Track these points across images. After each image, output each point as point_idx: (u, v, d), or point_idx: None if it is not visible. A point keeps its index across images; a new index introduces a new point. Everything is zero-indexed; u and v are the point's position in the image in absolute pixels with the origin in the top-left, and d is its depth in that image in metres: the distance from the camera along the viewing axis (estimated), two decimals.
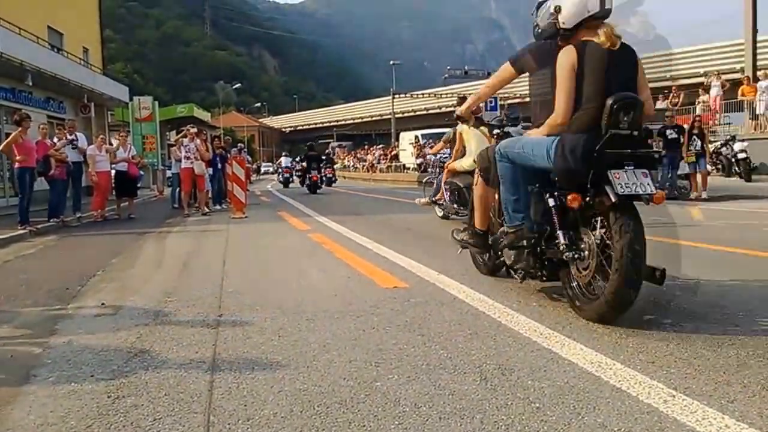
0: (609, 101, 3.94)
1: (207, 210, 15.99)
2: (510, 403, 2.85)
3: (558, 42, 4.42)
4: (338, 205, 17.25)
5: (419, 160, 36.08)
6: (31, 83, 21.39)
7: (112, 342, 4.08)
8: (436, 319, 4.36)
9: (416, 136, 44.08)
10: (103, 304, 5.28)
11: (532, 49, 4.78)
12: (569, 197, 4.14)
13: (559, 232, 4.32)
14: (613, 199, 3.92)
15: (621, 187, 3.92)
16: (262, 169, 74.60)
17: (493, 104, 25.03)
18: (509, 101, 57.50)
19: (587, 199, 4.13)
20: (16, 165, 12.09)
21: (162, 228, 12.18)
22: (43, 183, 13.09)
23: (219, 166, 17.82)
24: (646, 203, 3.99)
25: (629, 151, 4.04)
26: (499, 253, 5.04)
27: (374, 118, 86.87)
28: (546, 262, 4.59)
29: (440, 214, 11.54)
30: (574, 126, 4.12)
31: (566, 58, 4.15)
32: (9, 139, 12.13)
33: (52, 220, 12.95)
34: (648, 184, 3.99)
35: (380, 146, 57.90)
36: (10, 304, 5.49)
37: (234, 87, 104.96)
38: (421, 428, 2.62)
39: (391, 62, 72.43)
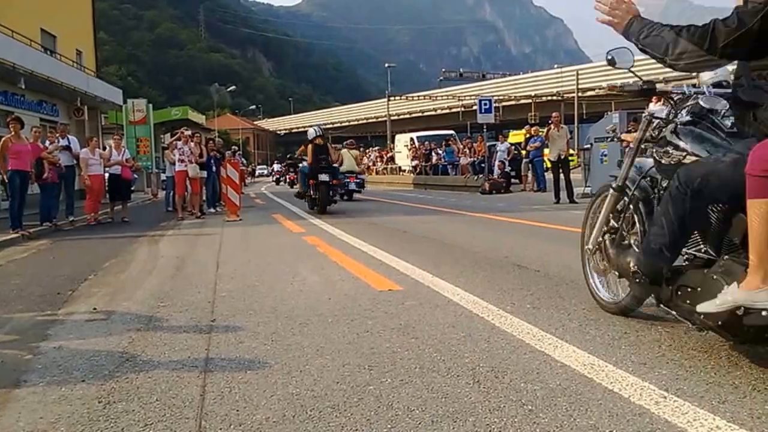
0: (318, 157, 15.10)
1: (201, 213, 15.99)
2: (502, 405, 2.84)
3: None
4: (332, 207, 17.26)
5: (415, 162, 36.25)
6: (23, 86, 21.38)
7: (103, 347, 4.07)
8: (429, 321, 4.36)
9: (412, 138, 44.05)
10: (94, 309, 5.26)
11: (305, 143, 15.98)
12: (311, 181, 15.16)
13: (311, 191, 15.32)
14: (319, 181, 14.85)
15: (321, 177, 14.84)
16: (257, 172, 74.64)
17: (487, 106, 25.04)
18: (503, 103, 57.83)
19: (314, 181, 15.09)
20: (8, 167, 12.00)
21: (155, 231, 12.17)
22: (35, 187, 13.05)
23: (213, 168, 17.80)
24: (330, 182, 15.13)
25: (325, 167, 15.09)
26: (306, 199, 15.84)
27: (369, 121, 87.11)
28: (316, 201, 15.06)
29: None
30: (312, 162, 15.08)
31: (308, 149, 15.63)
32: None
33: (44, 224, 12.93)
34: (328, 176, 14.95)
35: (376, 148, 57.95)
36: (0, 309, 5.46)
37: (229, 89, 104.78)
38: None
39: (387, 64, 72.70)
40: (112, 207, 15.77)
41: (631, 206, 4.04)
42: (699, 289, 3.23)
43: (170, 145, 17.97)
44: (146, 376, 3.43)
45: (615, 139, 15.02)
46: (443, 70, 75.17)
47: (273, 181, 45.97)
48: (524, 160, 23.65)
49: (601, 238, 4.30)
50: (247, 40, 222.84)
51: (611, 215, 4.23)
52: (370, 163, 49.00)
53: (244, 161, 44.34)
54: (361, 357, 3.62)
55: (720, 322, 3.05)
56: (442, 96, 72.02)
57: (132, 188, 16.83)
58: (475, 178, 25.14)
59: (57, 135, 14.94)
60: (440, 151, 33.08)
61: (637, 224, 3.94)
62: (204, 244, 9.96)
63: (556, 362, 3.38)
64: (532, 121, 30.01)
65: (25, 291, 6.31)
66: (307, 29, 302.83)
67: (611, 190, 4.18)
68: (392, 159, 44.85)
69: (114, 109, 32.65)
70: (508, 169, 24.36)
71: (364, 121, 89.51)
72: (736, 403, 2.77)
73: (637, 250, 3.78)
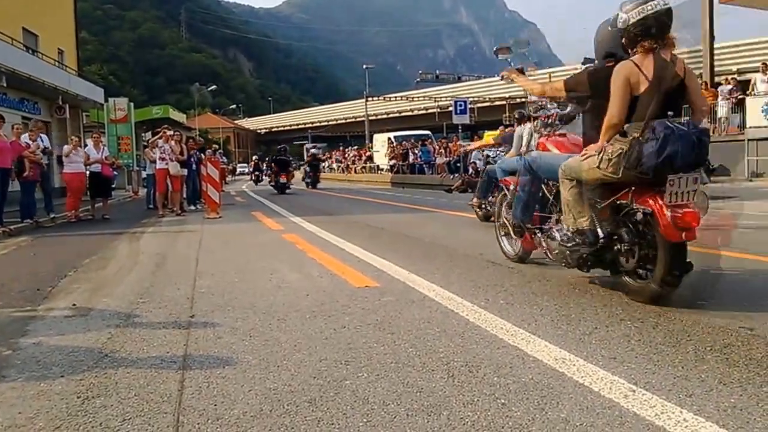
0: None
1: (181, 210, 15.95)
2: (476, 399, 2.89)
3: None
4: (312, 205, 17.27)
5: (392, 162, 36.47)
6: (5, 84, 21.18)
7: (82, 343, 4.07)
8: (405, 317, 4.41)
9: (389, 138, 44.25)
10: (74, 305, 5.25)
11: None
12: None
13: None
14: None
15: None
16: (238, 170, 74.35)
17: (462, 108, 25.13)
18: (478, 104, 58.02)
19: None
20: None
21: (136, 228, 12.11)
22: (15, 184, 12.97)
23: (194, 167, 17.75)
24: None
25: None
26: None
27: (348, 120, 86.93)
28: None
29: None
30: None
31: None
32: None
33: (25, 221, 12.84)
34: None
35: (354, 148, 58.00)
36: None
37: (209, 89, 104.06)
38: (389, 425, 2.65)
39: (365, 66, 72.49)
40: (93, 204, 15.67)
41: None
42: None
43: (151, 143, 17.91)
44: (125, 372, 3.45)
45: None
46: (420, 71, 75.14)
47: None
48: None
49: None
50: (228, 41, 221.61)
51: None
52: (349, 162, 49.19)
53: (225, 160, 44.28)
54: (338, 352, 3.66)
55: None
56: (418, 97, 72.18)
57: (113, 185, 16.73)
58: (451, 177, 25.23)
59: (35, 132, 14.83)
60: (417, 151, 33.31)
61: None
62: (184, 241, 9.94)
63: (529, 357, 3.44)
64: (507, 122, 30.16)
65: (4, 287, 6.26)
66: (286, 31, 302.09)
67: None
68: (370, 158, 45.03)
69: (95, 107, 32.44)
70: (482, 168, 24.45)
71: (343, 121, 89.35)
72: (702, 396, 2.84)
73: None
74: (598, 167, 4.51)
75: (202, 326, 4.39)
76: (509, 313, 4.38)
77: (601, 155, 4.48)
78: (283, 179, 26.57)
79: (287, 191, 26.48)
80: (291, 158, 32.02)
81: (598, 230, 4.69)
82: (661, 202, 4.26)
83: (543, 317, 4.26)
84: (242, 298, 5.25)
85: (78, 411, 2.93)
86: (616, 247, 4.70)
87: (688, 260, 4.41)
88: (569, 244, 4.86)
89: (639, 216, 4.48)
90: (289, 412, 2.83)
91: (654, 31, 4.31)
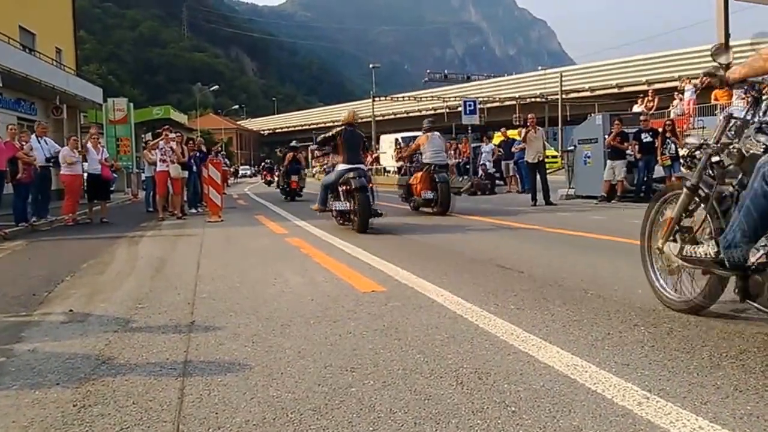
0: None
1: (182, 214, 15.89)
2: (486, 407, 2.82)
3: None
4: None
5: (400, 163, 36.40)
6: (1, 84, 21.16)
7: (79, 349, 4.00)
8: (413, 323, 4.34)
9: (396, 139, 44.18)
10: (71, 310, 5.19)
11: None
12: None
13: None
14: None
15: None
16: (240, 172, 74.49)
17: (472, 108, 25.03)
18: (488, 104, 57.93)
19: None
20: None
21: (135, 232, 12.07)
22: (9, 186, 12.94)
23: (194, 168, 17.69)
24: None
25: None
26: None
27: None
28: None
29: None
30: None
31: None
32: None
33: (20, 225, 12.78)
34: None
35: None
36: None
37: (211, 89, 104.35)
38: None
39: (371, 65, 72.61)
40: (91, 207, 15.63)
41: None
42: None
43: (150, 145, 17.88)
44: (123, 379, 3.38)
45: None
46: (428, 71, 75.34)
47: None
48: (509, 162, 23.68)
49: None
50: (231, 40, 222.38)
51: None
52: None
53: (227, 161, 44.45)
54: (343, 359, 3.59)
55: None
56: (426, 97, 72.22)
57: (112, 188, 16.68)
58: (460, 179, 25.16)
59: (34, 134, 14.80)
60: None
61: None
62: (184, 245, 9.88)
63: (540, 363, 3.37)
64: (516, 123, 30.13)
65: None
66: (291, 29, 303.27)
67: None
68: (377, 160, 44.98)
69: (94, 107, 32.40)
70: (492, 170, 24.40)
71: None
72: (718, 403, 2.77)
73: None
74: None
75: (203, 332, 4.32)
76: (520, 319, 4.31)
77: None
78: (269, 178, 41.97)
79: (271, 185, 38.45)
80: (275, 165, 46.77)
81: None
82: None
83: (554, 323, 4.20)
84: (244, 304, 5.18)
85: (74, 420, 2.86)
86: None
87: None
88: None
89: None
90: (292, 420, 2.76)
91: None
